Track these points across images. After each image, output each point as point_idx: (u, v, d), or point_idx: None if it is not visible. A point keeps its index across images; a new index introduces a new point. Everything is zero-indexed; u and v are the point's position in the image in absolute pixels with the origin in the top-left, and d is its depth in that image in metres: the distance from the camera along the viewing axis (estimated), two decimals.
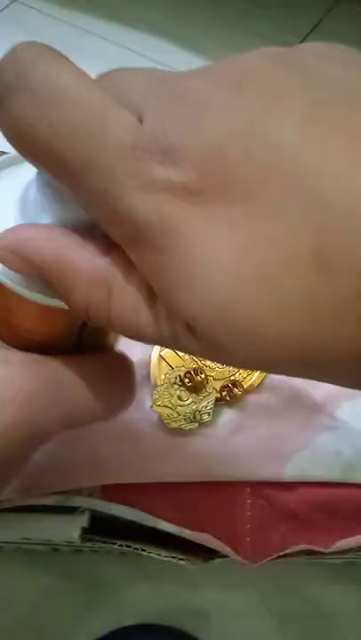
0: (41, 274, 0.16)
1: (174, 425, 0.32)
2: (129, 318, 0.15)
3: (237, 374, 0.33)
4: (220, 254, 0.13)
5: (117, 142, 0.13)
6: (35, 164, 0.15)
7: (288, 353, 0.14)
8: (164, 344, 0.16)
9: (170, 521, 0.31)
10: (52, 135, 0.14)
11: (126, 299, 0.15)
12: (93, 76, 0.15)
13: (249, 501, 0.32)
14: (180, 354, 0.34)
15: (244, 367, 0.19)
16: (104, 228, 0.15)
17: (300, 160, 0.12)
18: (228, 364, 0.16)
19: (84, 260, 0.15)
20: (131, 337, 0.16)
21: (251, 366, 0.17)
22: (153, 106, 0.14)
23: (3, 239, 0.16)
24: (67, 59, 0.14)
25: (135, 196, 0.13)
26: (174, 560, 0.33)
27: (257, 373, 0.33)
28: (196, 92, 0.14)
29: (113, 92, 0.14)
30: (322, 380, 0.16)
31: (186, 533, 0.31)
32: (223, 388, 0.33)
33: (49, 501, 0.31)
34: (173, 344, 0.15)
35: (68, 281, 0.15)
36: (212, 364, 0.34)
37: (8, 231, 0.16)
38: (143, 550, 0.33)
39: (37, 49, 0.14)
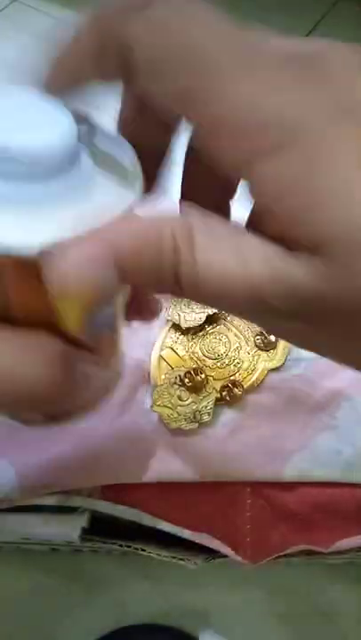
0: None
1: (174, 425, 0.32)
2: (216, 262, 0.14)
3: (237, 374, 0.33)
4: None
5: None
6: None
7: None
8: (248, 294, 0.14)
9: (170, 521, 0.31)
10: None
11: (212, 243, 0.14)
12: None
13: (249, 501, 0.32)
14: (180, 354, 0.34)
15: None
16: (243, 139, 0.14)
17: None
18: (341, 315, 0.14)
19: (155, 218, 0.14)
20: (215, 294, 0.14)
21: None
22: None
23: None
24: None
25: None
26: (174, 560, 0.33)
27: (257, 373, 0.33)
28: None
29: None
30: None
31: (186, 533, 0.31)
32: (223, 387, 0.33)
33: (49, 501, 0.31)
34: (266, 284, 0.14)
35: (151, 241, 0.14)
36: (212, 365, 0.34)
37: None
38: (143, 550, 0.33)
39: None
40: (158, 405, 0.32)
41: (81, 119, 0.16)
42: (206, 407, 0.32)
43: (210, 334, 0.35)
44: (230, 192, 0.19)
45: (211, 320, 0.35)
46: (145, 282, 0.15)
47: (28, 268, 0.15)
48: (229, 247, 0.14)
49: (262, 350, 0.34)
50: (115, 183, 0.16)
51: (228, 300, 0.15)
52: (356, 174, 0.13)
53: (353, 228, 0.13)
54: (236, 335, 0.35)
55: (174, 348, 0.34)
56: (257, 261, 0.14)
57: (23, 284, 0.16)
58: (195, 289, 0.14)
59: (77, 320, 0.17)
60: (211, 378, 0.33)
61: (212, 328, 0.35)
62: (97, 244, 0.14)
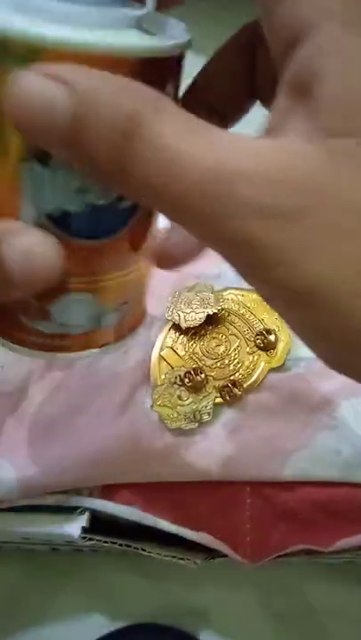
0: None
1: (174, 425, 0.32)
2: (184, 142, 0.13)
3: (237, 374, 0.33)
4: None
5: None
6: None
7: None
8: (212, 186, 0.13)
9: (170, 520, 0.31)
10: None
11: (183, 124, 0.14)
12: None
13: (249, 501, 0.32)
14: (180, 353, 0.34)
15: None
16: None
17: None
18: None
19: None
20: (163, 180, 0.13)
21: None
22: None
23: None
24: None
25: None
26: (174, 560, 0.33)
27: (257, 373, 0.34)
28: None
29: None
30: None
31: (186, 533, 0.31)
32: (223, 387, 0.33)
33: (49, 501, 0.31)
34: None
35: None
36: (213, 365, 0.34)
37: None
38: (143, 550, 0.33)
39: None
40: (158, 405, 0.32)
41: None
42: (206, 407, 0.32)
43: (210, 334, 0.35)
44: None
45: (211, 320, 0.35)
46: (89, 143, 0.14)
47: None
48: (205, 135, 0.14)
49: (262, 350, 0.34)
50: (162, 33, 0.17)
51: (175, 189, 0.13)
52: None
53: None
54: (236, 335, 0.35)
55: (174, 348, 0.34)
56: (234, 148, 0.13)
57: None
58: (140, 168, 0.13)
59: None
60: (211, 378, 0.33)
61: (213, 328, 0.35)
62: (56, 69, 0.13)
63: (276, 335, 0.34)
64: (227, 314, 0.35)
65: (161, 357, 0.34)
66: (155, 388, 0.33)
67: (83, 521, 0.31)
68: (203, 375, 0.33)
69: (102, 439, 0.32)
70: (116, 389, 0.33)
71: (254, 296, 0.36)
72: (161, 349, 0.34)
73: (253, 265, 0.14)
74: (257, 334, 0.34)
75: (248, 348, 0.34)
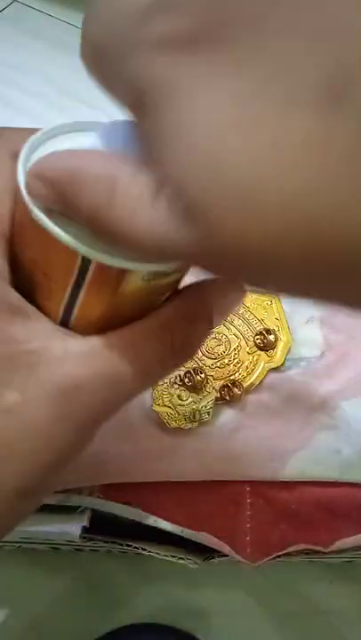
0: (59, 193, 0.15)
1: (174, 424, 0.32)
2: (130, 210, 0.14)
3: (237, 374, 0.33)
4: (217, 103, 0.12)
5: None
6: None
7: (292, 233, 0.11)
8: (156, 242, 0.14)
9: (170, 520, 0.31)
10: None
11: (131, 192, 0.14)
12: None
13: (249, 501, 0.32)
14: None
15: (230, 268, 0.14)
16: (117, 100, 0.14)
17: None
18: (217, 264, 0.13)
19: (92, 161, 0.15)
20: (124, 236, 0.14)
21: (242, 263, 0.13)
22: None
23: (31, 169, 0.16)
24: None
25: (139, 56, 0.13)
26: (174, 559, 0.33)
27: (257, 373, 0.34)
28: None
29: None
30: (328, 298, 0.13)
31: (186, 532, 0.31)
32: (223, 387, 0.33)
33: (49, 501, 0.31)
34: (166, 237, 0.13)
35: (77, 185, 0.15)
36: (213, 364, 0.34)
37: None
38: (143, 549, 0.33)
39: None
40: (158, 405, 0.32)
41: None
42: (206, 407, 0.32)
43: (210, 334, 0.35)
44: None
45: None
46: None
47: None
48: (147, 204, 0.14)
49: (262, 350, 0.34)
50: None
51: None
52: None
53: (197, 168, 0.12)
54: (235, 335, 0.35)
55: None
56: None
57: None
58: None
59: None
60: (210, 377, 0.33)
61: None
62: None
63: (275, 335, 0.34)
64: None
65: None
66: (154, 387, 0.33)
67: (83, 520, 0.31)
68: (203, 375, 0.33)
69: (102, 438, 0.32)
70: None
71: (254, 296, 0.36)
72: None
73: None
74: (257, 334, 0.35)
75: (248, 348, 0.34)
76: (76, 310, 0.17)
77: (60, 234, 0.15)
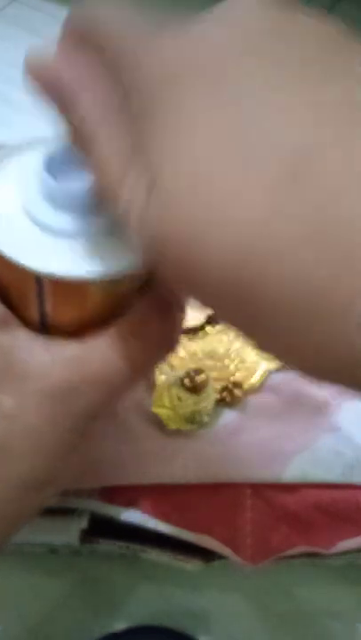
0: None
1: (174, 426, 0.31)
2: (112, 163, 0.15)
3: (237, 375, 0.33)
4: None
5: None
6: None
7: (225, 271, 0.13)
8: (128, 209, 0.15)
9: (170, 522, 0.31)
10: None
11: (115, 143, 0.15)
12: None
13: (249, 503, 0.32)
14: (181, 355, 0.34)
15: (180, 273, 0.14)
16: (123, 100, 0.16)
17: None
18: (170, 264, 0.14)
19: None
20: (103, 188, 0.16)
21: (187, 271, 0.14)
22: None
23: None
24: None
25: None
26: (174, 561, 0.33)
27: (257, 374, 0.33)
28: None
29: None
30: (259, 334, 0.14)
31: (186, 535, 0.31)
32: (223, 388, 0.33)
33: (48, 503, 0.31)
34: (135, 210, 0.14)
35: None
36: (212, 365, 0.33)
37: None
38: (143, 552, 0.33)
39: None
40: (158, 406, 0.32)
41: None
42: (206, 408, 0.32)
43: (210, 334, 0.35)
44: None
45: (211, 320, 0.35)
46: None
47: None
48: None
49: None
50: None
51: None
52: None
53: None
54: (236, 336, 0.35)
55: None
56: None
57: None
58: None
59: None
60: (211, 378, 0.33)
61: (212, 328, 0.35)
62: None
63: None
64: None
65: None
66: (155, 388, 0.32)
67: (82, 522, 0.31)
68: (203, 376, 0.32)
69: (101, 440, 0.31)
70: None
71: None
72: None
73: None
74: None
75: (248, 349, 0.34)
76: (49, 319, 0.19)
77: (12, 257, 0.17)
